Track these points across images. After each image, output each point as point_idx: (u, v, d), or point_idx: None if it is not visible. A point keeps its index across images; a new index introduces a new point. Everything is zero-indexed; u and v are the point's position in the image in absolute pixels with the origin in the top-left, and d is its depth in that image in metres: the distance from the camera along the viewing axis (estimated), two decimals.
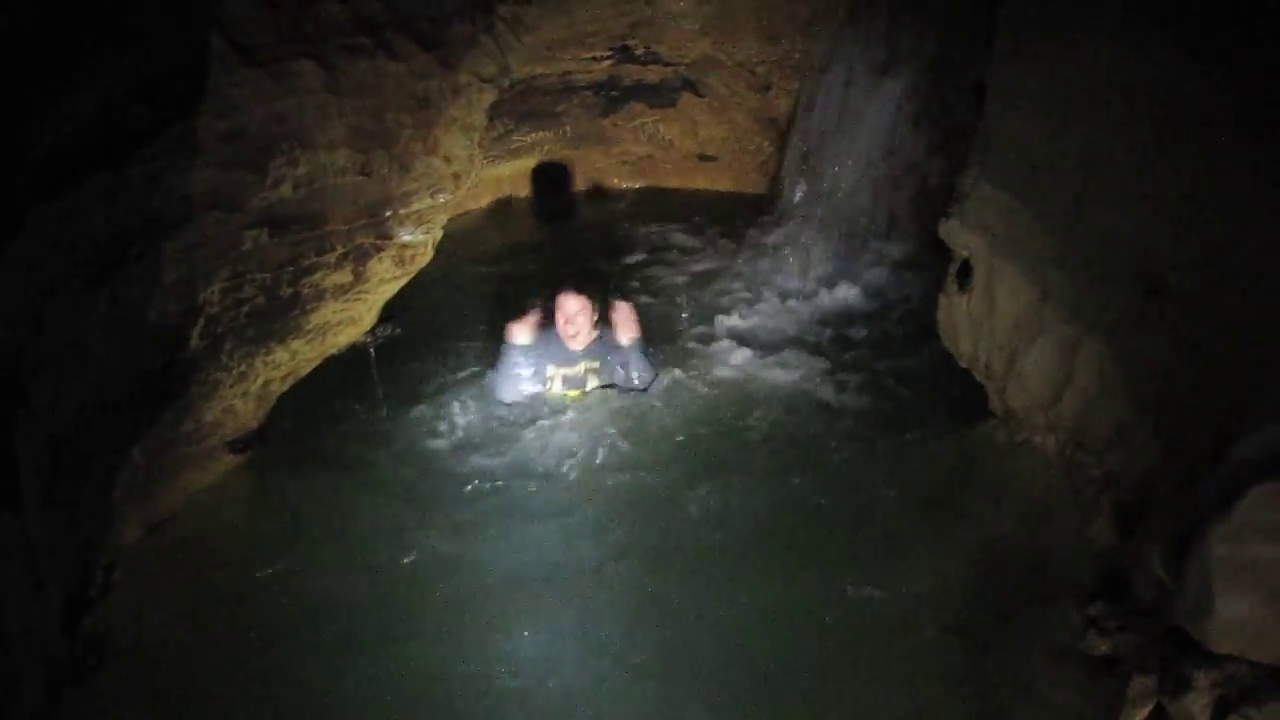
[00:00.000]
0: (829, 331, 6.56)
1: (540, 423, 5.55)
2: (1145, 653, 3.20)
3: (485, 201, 8.57)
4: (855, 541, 4.63)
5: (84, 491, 3.92)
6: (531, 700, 3.94)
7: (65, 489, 3.60)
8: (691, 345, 6.47)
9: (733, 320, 6.71)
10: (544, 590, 4.48)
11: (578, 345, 5.63)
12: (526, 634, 4.26)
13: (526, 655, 4.17)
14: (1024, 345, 4.54)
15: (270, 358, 4.93)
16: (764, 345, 6.39)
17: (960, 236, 4.88)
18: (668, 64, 8.13)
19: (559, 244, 7.94)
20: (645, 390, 5.66)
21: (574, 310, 5.51)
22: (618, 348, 5.64)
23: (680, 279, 7.32)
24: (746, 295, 7.00)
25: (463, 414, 5.75)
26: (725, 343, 6.42)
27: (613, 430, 5.45)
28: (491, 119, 6.14)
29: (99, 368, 3.75)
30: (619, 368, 5.66)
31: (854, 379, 5.95)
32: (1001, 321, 4.68)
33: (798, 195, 7.31)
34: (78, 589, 4.07)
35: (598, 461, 5.28)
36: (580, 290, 5.54)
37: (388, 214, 4.98)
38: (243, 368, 4.80)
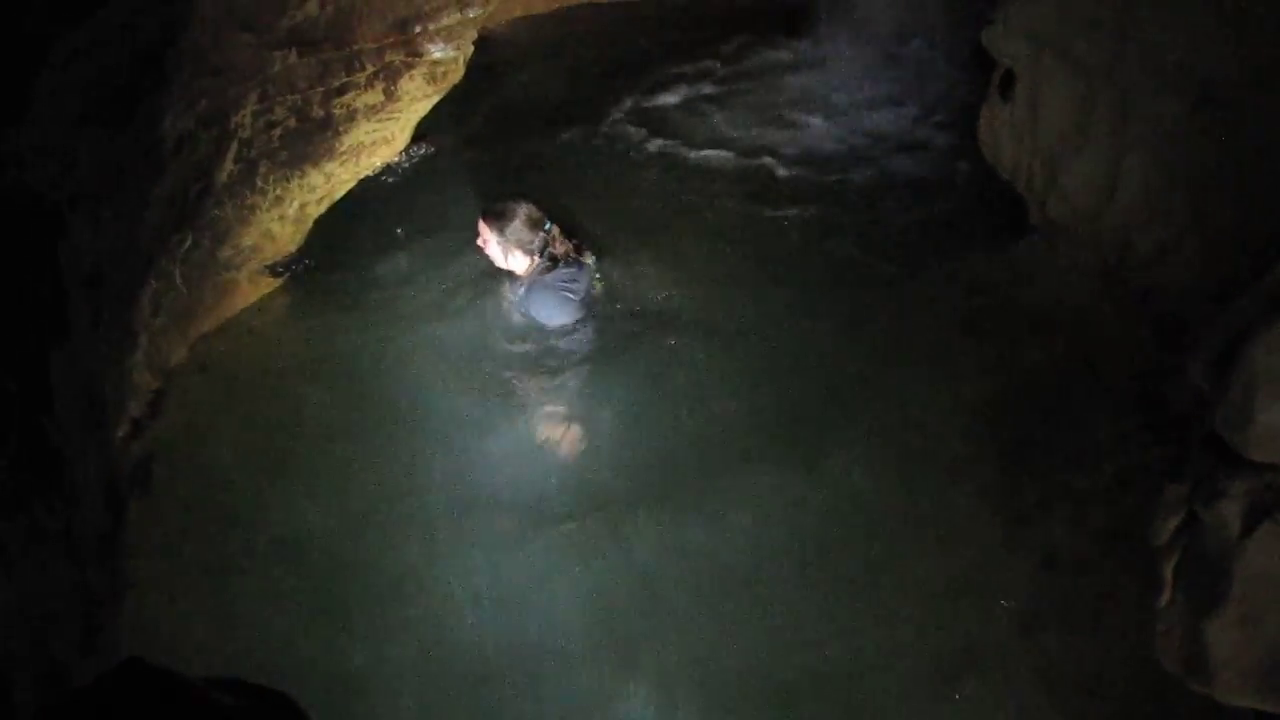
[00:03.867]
0: (864, 145, 6.30)
1: None
2: (1180, 462, 3.23)
3: (518, 12, 8.36)
4: (892, 364, 4.62)
5: (129, 317, 4.00)
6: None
7: (111, 316, 3.68)
8: (722, 161, 6.26)
9: (765, 134, 6.50)
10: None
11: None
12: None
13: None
14: (1068, 157, 4.46)
15: (305, 180, 4.94)
16: (796, 160, 6.18)
17: (1004, 44, 4.73)
18: None
19: (584, 59, 7.71)
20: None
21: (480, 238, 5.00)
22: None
23: (711, 93, 7.10)
24: (778, 111, 6.74)
25: None
26: (758, 160, 6.21)
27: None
28: None
29: (135, 196, 3.78)
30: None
31: (891, 195, 5.77)
32: (1045, 132, 4.59)
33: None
34: (131, 411, 4.21)
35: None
36: (486, 215, 4.93)
37: (417, 30, 4.91)
38: (278, 191, 4.82)
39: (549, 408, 4.71)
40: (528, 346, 4.85)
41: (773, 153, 6.26)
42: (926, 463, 4.15)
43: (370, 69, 4.82)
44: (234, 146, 4.38)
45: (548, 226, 4.84)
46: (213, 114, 4.20)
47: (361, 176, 5.40)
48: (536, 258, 4.85)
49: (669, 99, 6.87)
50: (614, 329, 4.92)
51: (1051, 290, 4.64)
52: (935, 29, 6.52)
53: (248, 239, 4.87)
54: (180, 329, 4.68)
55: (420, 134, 5.74)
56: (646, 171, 6.14)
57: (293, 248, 5.26)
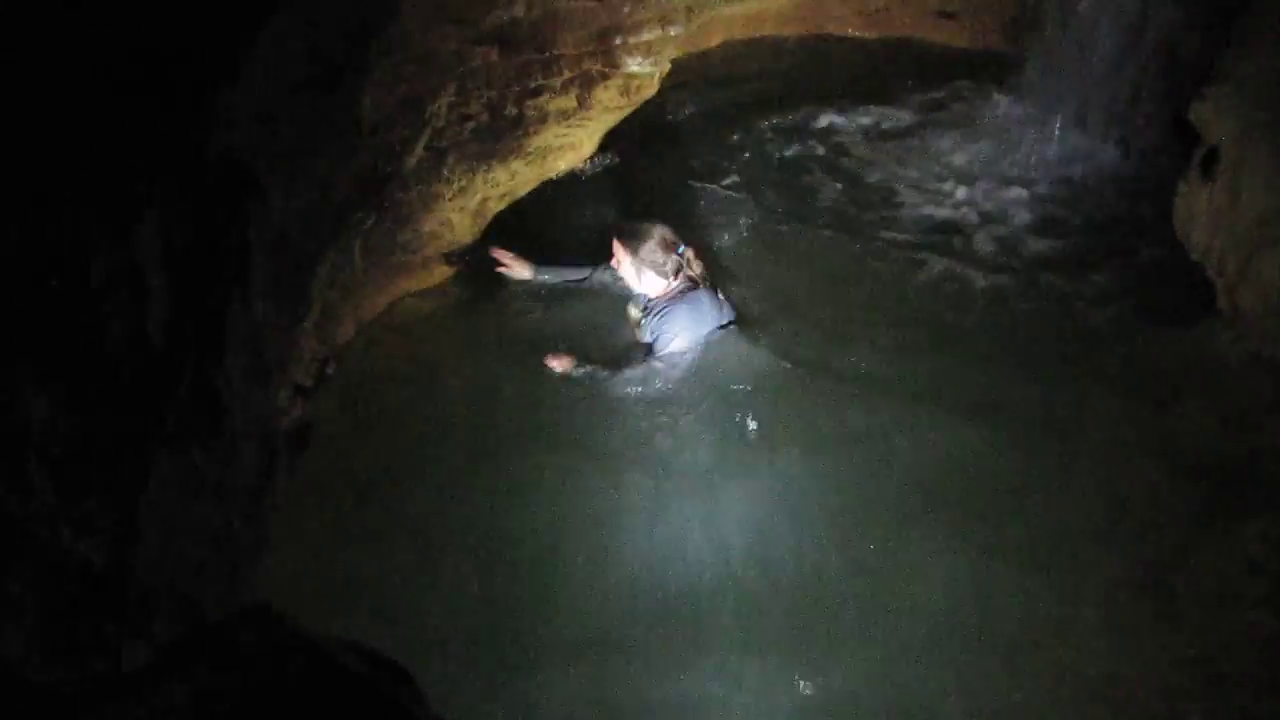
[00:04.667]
0: (1054, 210, 6.07)
1: None
2: None
3: (715, 41, 8.38)
4: (1056, 434, 4.42)
5: (306, 285, 4.13)
6: None
7: (290, 282, 3.80)
8: (898, 212, 6.12)
9: (949, 189, 6.31)
10: None
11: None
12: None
13: None
14: (1266, 244, 4.26)
15: (490, 175, 5.04)
16: (979, 220, 6.00)
17: (1212, 120, 4.54)
18: None
19: (777, 92, 7.65)
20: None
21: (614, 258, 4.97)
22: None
23: (899, 139, 6.97)
24: (967, 166, 6.56)
25: None
26: (937, 215, 6.06)
27: None
28: None
29: (329, 170, 3.91)
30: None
31: (1077, 265, 5.55)
32: (1245, 216, 4.39)
33: (1038, 60, 6.84)
34: (295, 376, 4.34)
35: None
36: (619, 235, 4.91)
37: (617, 42, 4.97)
38: (463, 183, 4.93)
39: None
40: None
41: (954, 209, 6.11)
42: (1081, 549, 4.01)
43: (567, 74, 4.90)
44: (427, 134, 4.49)
45: (681, 250, 4.81)
46: (411, 100, 4.32)
47: (545, 178, 5.49)
48: (672, 280, 4.83)
49: (854, 140, 6.79)
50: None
51: (1230, 379, 4.44)
52: (1142, 98, 6.28)
53: (428, 225, 4.99)
54: (352, 303, 4.82)
55: (606, 144, 5.81)
56: (815, 211, 6.06)
57: (469, 239, 5.36)
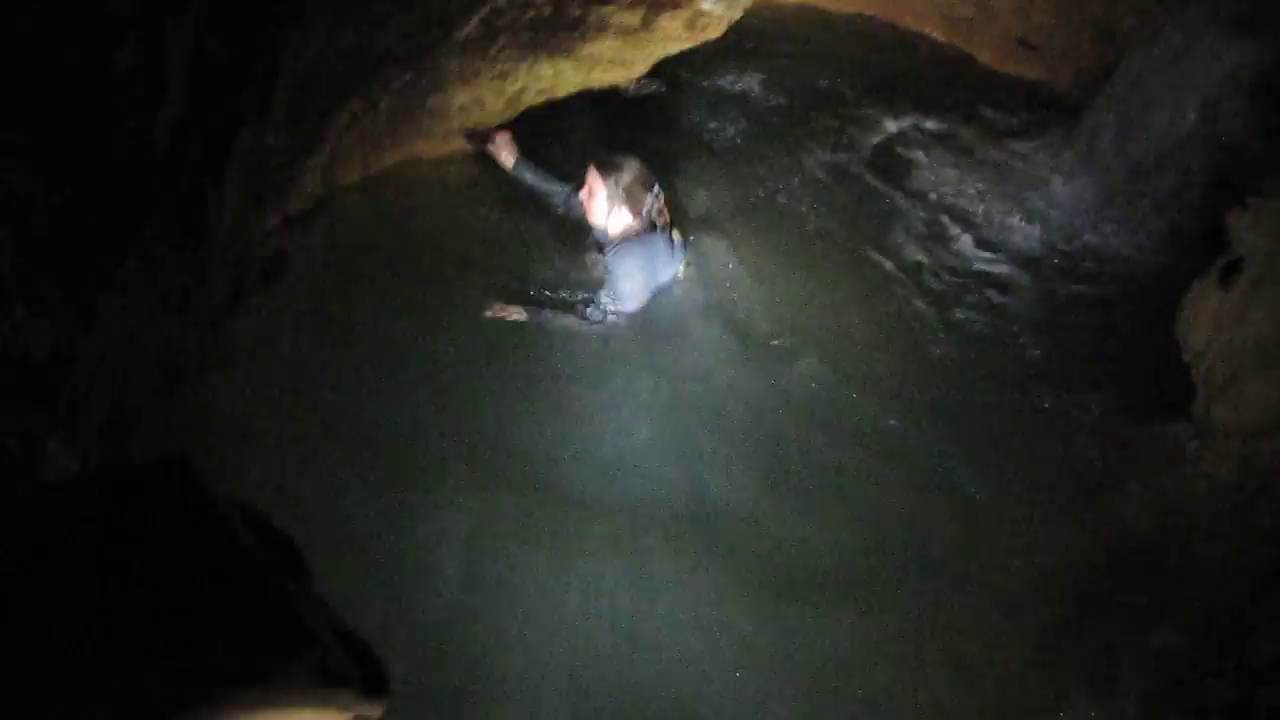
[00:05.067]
0: (1060, 276, 5.93)
1: None
2: None
3: (791, 1, 8.28)
4: (995, 500, 4.37)
5: (324, 123, 4.09)
6: None
7: (308, 117, 3.76)
8: (917, 225, 6.03)
9: (977, 219, 6.21)
10: None
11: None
12: None
13: None
14: (1259, 367, 4.27)
15: (535, 68, 4.98)
16: (991, 259, 5.89)
17: (1245, 232, 4.53)
18: None
19: (841, 76, 7.52)
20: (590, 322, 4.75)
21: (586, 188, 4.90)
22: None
23: (943, 153, 6.84)
24: (1004, 199, 6.41)
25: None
26: (951, 243, 5.96)
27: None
28: None
29: (375, 18, 3.85)
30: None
31: (1068, 334, 5.43)
32: (1247, 333, 4.38)
33: (1094, 122, 6.72)
34: (289, 206, 4.31)
35: None
36: (599, 164, 4.82)
37: None
38: (506, 66, 4.87)
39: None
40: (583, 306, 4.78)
41: (973, 243, 6.02)
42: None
43: None
44: (485, 9, 4.42)
45: (656, 190, 4.79)
46: None
47: (587, 86, 5.43)
48: (638, 219, 4.79)
49: (905, 151, 6.69)
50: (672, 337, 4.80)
51: (1180, 485, 4.46)
52: (1186, 189, 6.21)
53: (459, 98, 4.94)
54: (363, 153, 4.79)
55: (656, 71, 5.75)
56: (832, 199, 5.99)
57: (495, 123, 5.31)
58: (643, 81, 5.91)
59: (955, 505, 4.27)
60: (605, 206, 4.76)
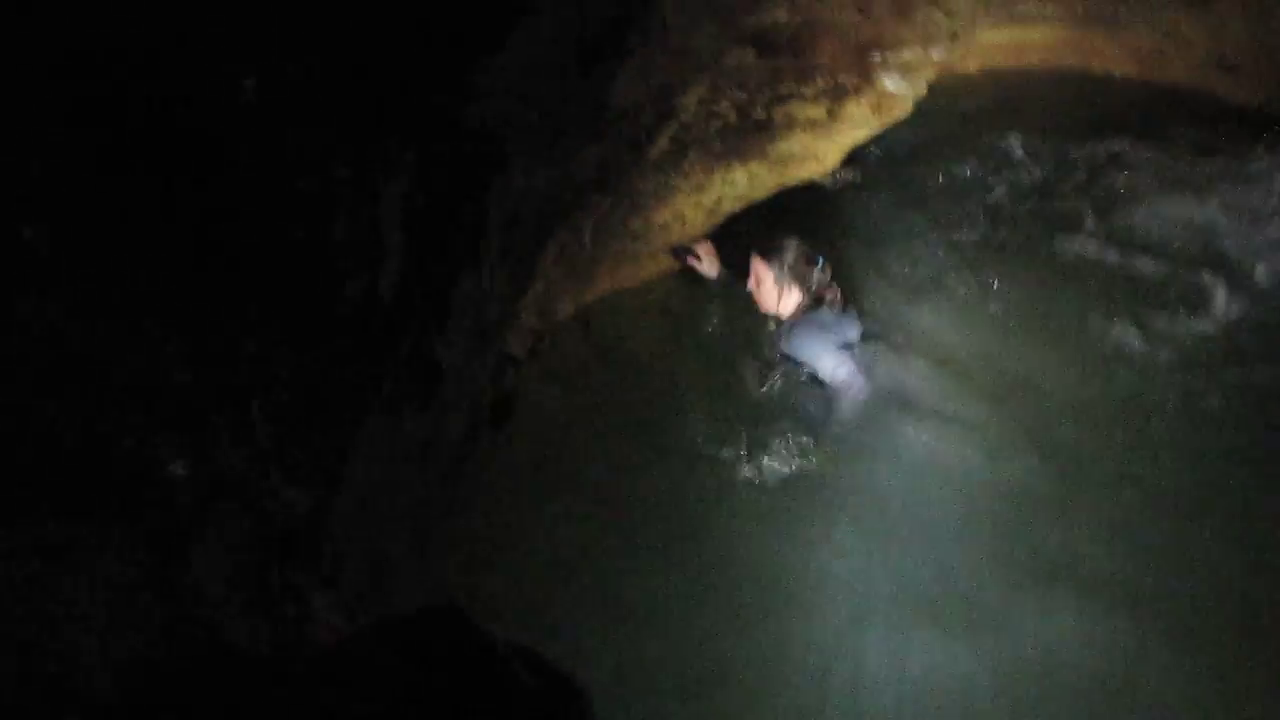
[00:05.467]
0: None
1: None
2: None
3: (973, 67, 8.13)
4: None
5: (533, 260, 4.19)
6: None
7: (518, 256, 3.85)
8: (1145, 273, 5.58)
9: (1211, 259, 5.65)
10: None
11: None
12: None
13: None
14: None
15: (729, 175, 5.00)
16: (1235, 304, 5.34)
17: None
18: None
19: (1034, 130, 7.31)
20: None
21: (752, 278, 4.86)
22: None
23: (1167, 198, 6.47)
24: (1238, 238, 5.83)
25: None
26: (1193, 283, 5.45)
27: None
28: None
29: (572, 151, 3.94)
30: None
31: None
32: None
33: None
34: (510, 348, 4.41)
35: None
36: (761, 251, 4.78)
37: (875, 58, 4.85)
38: (700, 179, 4.91)
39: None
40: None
41: (1216, 286, 5.45)
42: None
43: (820, 84, 4.81)
44: (673, 127, 4.49)
45: (821, 264, 4.68)
46: (662, 92, 4.33)
47: (783, 185, 5.42)
48: (807, 296, 4.68)
49: (1117, 188, 6.33)
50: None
51: None
52: None
53: (660, 217, 5.00)
54: (574, 284, 4.88)
55: (850, 159, 5.71)
56: (1051, 265, 5.66)
57: (698, 235, 5.35)
58: (840, 172, 5.87)
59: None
60: (775, 291, 4.72)
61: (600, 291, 5.14)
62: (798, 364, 4.63)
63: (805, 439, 4.47)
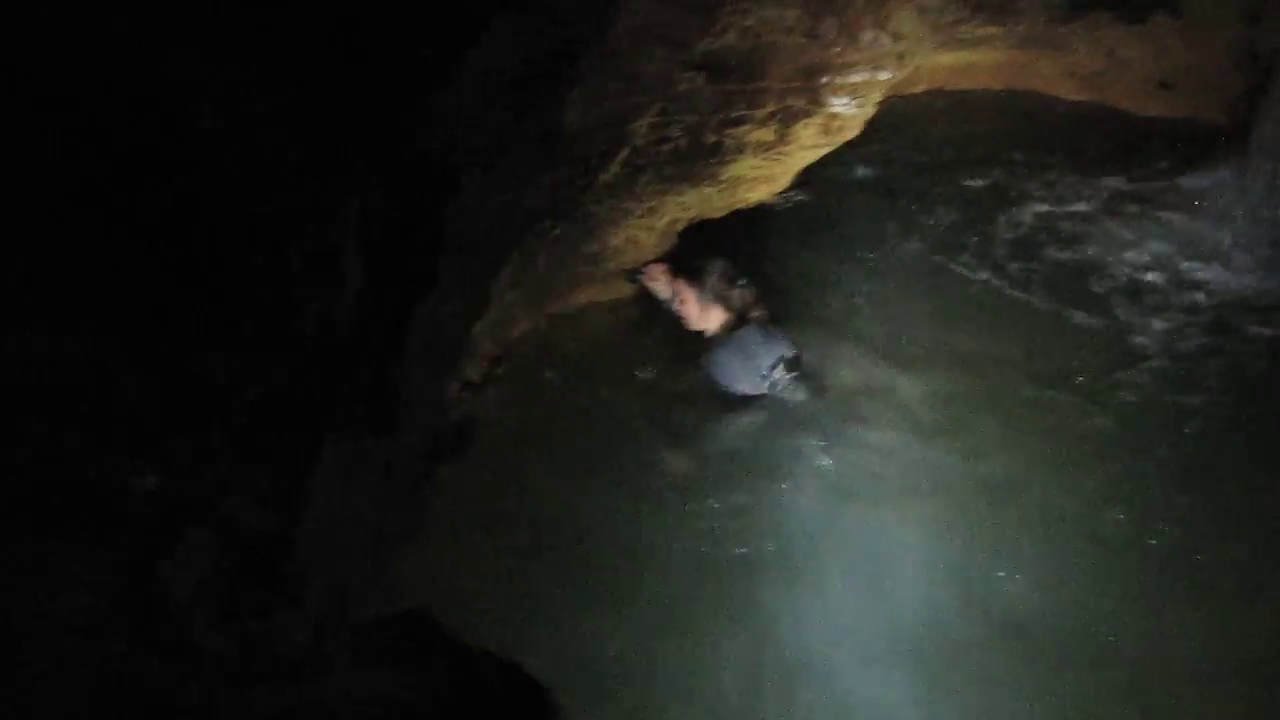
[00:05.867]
0: (1250, 323, 5.42)
1: None
2: None
3: (919, 88, 8.25)
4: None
5: (487, 284, 4.21)
6: None
7: (473, 280, 3.88)
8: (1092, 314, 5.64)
9: (1146, 274, 5.85)
10: None
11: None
12: None
13: None
14: None
15: (681, 199, 5.06)
16: (1157, 320, 5.49)
17: None
18: None
19: (979, 151, 7.38)
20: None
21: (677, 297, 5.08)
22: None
23: (1097, 217, 6.46)
24: (1169, 256, 6.03)
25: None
26: (1121, 305, 5.61)
27: None
28: (945, 4, 5.90)
29: (524, 176, 3.98)
30: None
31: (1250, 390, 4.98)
32: None
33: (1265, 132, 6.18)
34: (466, 372, 4.44)
35: None
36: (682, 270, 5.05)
37: (824, 80, 4.93)
38: (653, 203, 4.96)
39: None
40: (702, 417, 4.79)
41: (1144, 301, 5.66)
42: None
43: (770, 107, 4.89)
44: (625, 152, 4.54)
45: (742, 283, 4.79)
46: (613, 118, 4.38)
47: (735, 206, 5.49)
48: (731, 314, 4.81)
49: (1062, 213, 6.48)
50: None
51: None
52: None
53: (614, 239, 5.05)
54: (529, 307, 4.92)
55: (800, 180, 5.78)
56: (994, 284, 5.81)
57: (651, 257, 5.40)
58: (788, 193, 5.95)
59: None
60: (697, 310, 4.88)
61: (556, 315, 5.17)
62: (719, 385, 4.75)
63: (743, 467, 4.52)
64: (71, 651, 1.21)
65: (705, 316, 4.85)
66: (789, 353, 4.84)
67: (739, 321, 4.84)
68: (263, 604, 1.82)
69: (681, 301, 4.88)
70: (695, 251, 4.97)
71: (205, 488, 1.68)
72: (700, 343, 5.01)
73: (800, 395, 4.76)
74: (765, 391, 4.71)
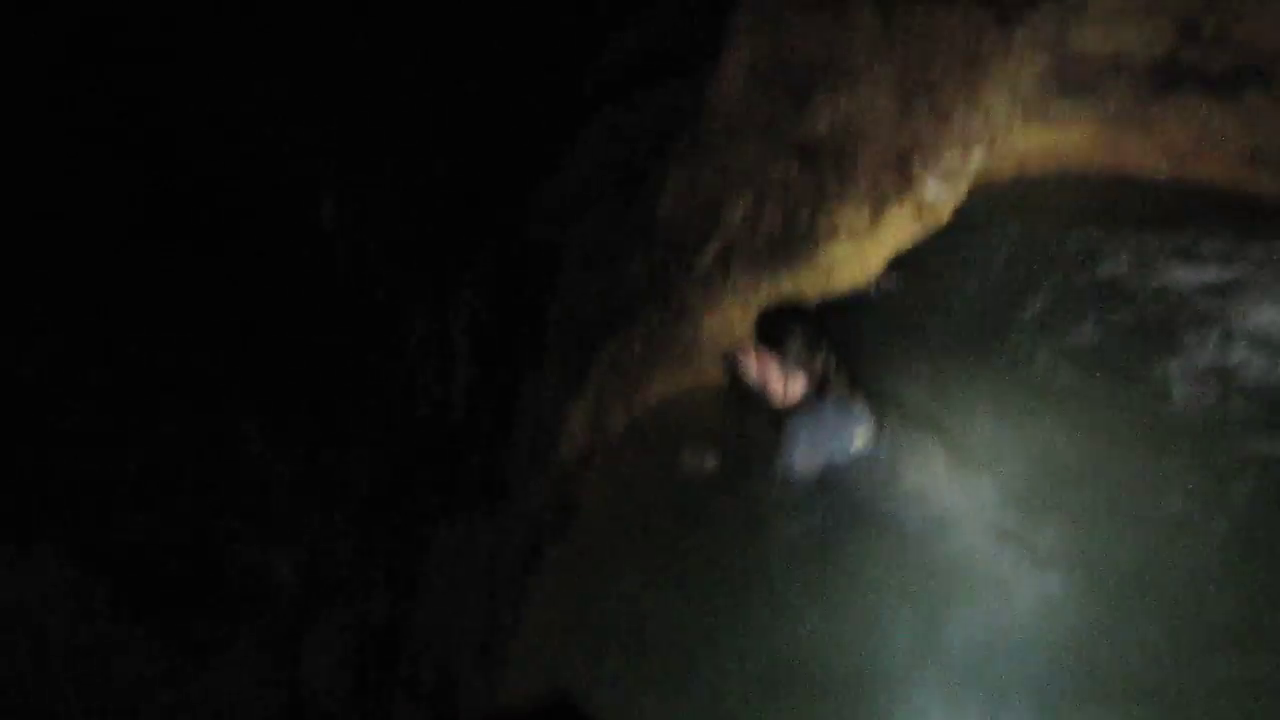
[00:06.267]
0: None
1: None
2: None
3: (1007, 173, 8.24)
4: None
5: (586, 368, 4.25)
6: None
7: (573, 363, 3.93)
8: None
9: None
10: None
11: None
12: None
13: None
14: None
15: (775, 283, 5.08)
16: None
17: None
18: (1238, 50, 7.41)
19: (1073, 233, 7.32)
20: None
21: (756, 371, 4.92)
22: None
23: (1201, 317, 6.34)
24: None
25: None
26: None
27: None
28: (1034, 83, 5.91)
29: (624, 260, 4.04)
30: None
31: None
32: None
33: None
34: (563, 456, 4.46)
35: None
36: (763, 340, 4.90)
37: (915, 164, 4.96)
38: (748, 288, 4.99)
39: None
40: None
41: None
42: None
43: (862, 191, 4.91)
44: (719, 238, 4.58)
45: (825, 350, 4.72)
46: (708, 204, 4.43)
47: (828, 290, 5.49)
48: (813, 382, 4.71)
49: (1166, 295, 6.21)
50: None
51: None
52: None
53: (708, 325, 5.07)
54: (626, 392, 4.93)
55: (894, 265, 5.78)
56: (1094, 378, 5.54)
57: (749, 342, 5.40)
58: (882, 278, 5.95)
59: None
60: (782, 383, 4.78)
61: (653, 400, 5.19)
62: (794, 462, 4.64)
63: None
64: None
65: (789, 387, 4.76)
66: (868, 425, 4.72)
67: (819, 392, 4.72)
68: (386, 688, 1.84)
69: (764, 376, 4.79)
70: (774, 326, 4.89)
71: (334, 572, 1.71)
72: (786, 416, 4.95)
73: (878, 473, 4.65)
74: (842, 461, 4.58)
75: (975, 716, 3.78)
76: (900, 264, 5.83)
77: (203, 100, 1.80)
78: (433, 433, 2.31)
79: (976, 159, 5.12)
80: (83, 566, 1.16)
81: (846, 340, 5.57)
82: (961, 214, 5.57)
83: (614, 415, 4.94)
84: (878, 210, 5.05)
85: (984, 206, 7.14)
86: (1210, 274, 6.45)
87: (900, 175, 4.98)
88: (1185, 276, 6.44)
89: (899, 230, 5.28)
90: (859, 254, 5.31)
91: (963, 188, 5.28)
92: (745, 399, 5.07)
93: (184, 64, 1.78)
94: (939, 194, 5.13)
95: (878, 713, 3.79)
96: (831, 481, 4.60)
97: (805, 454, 4.63)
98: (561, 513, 4.34)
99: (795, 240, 4.94)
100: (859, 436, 4.70)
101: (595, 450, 4.83)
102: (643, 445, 5.05)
